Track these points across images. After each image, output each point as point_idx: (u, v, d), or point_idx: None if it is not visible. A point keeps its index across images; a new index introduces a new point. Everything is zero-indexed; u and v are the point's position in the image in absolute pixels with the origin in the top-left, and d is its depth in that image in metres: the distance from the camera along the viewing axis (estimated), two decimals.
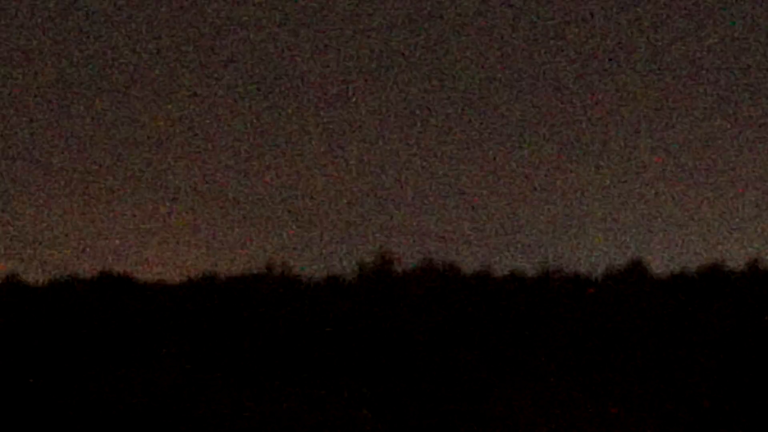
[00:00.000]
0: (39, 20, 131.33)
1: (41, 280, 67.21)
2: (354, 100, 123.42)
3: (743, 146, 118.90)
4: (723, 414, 55.93)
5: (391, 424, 53.90)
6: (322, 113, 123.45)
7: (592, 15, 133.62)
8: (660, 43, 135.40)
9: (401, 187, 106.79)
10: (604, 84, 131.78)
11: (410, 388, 54.80)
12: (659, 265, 71.37)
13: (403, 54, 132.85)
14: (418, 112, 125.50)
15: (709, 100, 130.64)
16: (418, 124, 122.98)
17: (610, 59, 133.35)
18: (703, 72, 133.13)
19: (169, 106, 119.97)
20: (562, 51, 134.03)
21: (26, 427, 55.06)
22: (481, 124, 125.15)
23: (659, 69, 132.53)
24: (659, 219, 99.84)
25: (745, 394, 57.24)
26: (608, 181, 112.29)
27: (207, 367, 58.03)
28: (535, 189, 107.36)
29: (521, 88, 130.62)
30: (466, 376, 55.52)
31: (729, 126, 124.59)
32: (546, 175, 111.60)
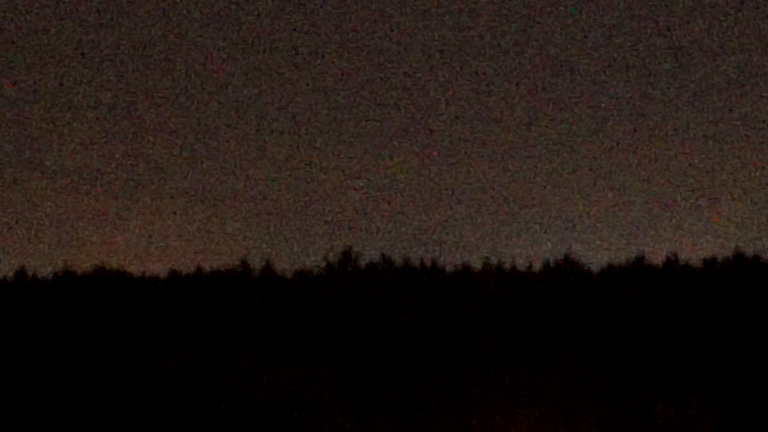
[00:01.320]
0: (45, 20, 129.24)
1: (48, 275, 72.14)
2: (334, 113, 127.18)
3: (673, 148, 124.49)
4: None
5: (353, 394, 59.15)
6: (309, 121, 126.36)
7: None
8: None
9: (366, 191, 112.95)
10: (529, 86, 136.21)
11: (373, 366, 61.00)
12: (590, 258, 76.30)
13: (369, 59, 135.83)
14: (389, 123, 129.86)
15: (634, 99, 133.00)
16: (381, 135, 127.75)
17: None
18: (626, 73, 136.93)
19: (159, 113, 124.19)
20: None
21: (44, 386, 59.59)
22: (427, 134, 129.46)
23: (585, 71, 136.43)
24: (589, 216, 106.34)
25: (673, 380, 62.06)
26: (543, 182, 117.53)
27: (191, 347, 62.45)
28: (481, 190, 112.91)
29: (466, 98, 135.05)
30: (421, 355, 61.42)
31: (654, 127, 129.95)
32: (491, 177, 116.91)
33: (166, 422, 58.21)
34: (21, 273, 72.45)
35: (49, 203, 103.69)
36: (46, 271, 74.15)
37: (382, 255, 73.72)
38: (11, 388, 61.73)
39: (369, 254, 74.70)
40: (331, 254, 72.04)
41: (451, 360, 63.22)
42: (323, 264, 70.70)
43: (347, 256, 69.77)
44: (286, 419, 59.23)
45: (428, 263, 73.87)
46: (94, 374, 60.29)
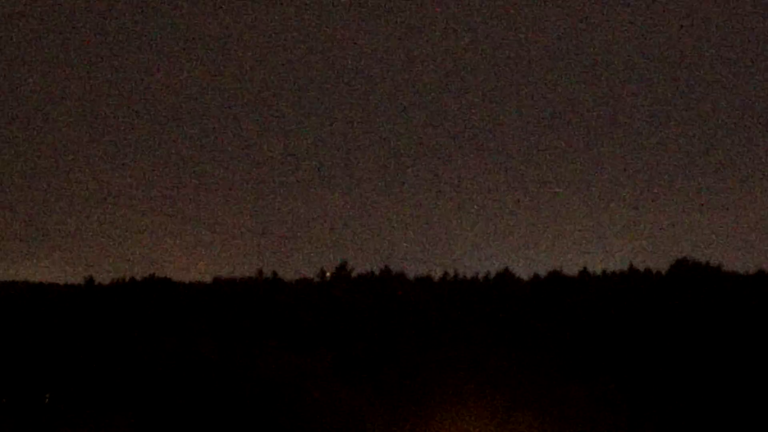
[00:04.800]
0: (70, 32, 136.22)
1: (110, 281, 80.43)
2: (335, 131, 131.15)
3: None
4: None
5: (349, 372, 65.86)
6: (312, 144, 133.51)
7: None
8: None
9: (361, 209, 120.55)
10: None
11: (364, 352, 69.10)
12: (521, 271, 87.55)
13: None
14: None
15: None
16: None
17: None
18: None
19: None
20: None
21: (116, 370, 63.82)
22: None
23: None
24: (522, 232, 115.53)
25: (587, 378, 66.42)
26: (485, 204, 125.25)
27: (226, 340, 68.10)
28: (437, 219, 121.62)
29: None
30: (398, 343, 69.88)
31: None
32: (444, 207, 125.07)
33: (209, 399, 61.71)
34: (89, 281, 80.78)
35: (110, 224, 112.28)
36: (108, 278, 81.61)
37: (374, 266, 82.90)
38: (81, 374, 65.35)
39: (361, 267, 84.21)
40: (328, 266, 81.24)
41: (420, 347, 70.36)
42: (327, 273, 79.12)
43: (343, 267, 79.11)
44: (300, 393, 62.39)
45: (400, 272, 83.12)
46: (149, 363, 64.55)
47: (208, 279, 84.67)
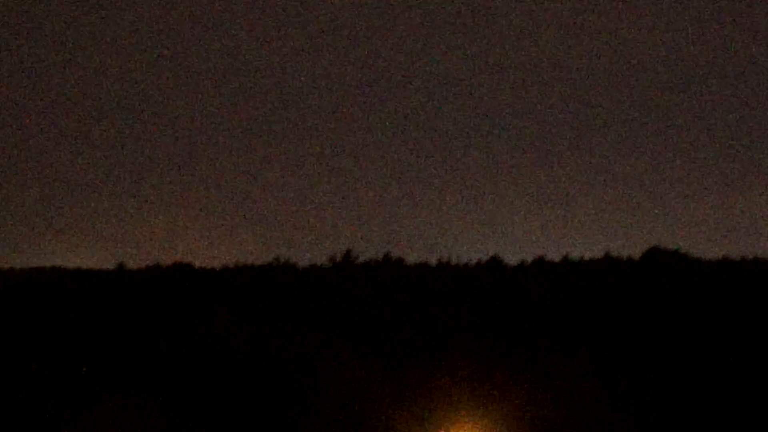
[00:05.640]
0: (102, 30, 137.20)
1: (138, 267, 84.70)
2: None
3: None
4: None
5: (357, 347, 67.81)
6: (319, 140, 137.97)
7: None
8: None
9: (365, 201, 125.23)
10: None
11: (370, 330, 72.31)
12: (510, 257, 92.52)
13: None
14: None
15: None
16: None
17: None
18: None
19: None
20: None
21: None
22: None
23: None
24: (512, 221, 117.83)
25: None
26: (476, 197, 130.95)
27: (246, 321, 69.58)
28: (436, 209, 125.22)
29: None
30: (398, 323, 74.02)
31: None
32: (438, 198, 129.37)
33: (232, 376, 62.96)
34: (120, 267, 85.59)
35: (138, 216, 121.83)
36: (137, 264, 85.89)
37: (376, 253, 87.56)
38: (112, 353, 66.13)
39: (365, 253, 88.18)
40: (336, 253, 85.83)
41: (418, 325, 74.45)
42: (334, 260, 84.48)
43: (348, 255, 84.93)
44: (314, 363, 63.89)
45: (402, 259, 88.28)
46: (177, 345, 65.55)
47: (229, 265, 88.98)
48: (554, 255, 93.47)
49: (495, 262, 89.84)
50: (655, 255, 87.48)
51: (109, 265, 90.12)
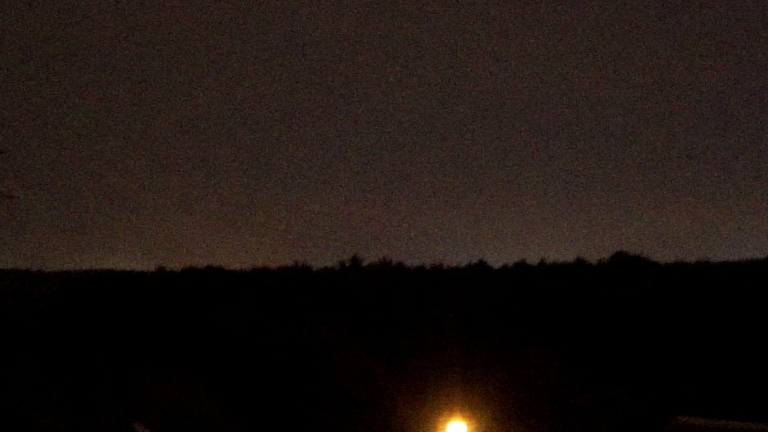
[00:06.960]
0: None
1: (180, 269, 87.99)
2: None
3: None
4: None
5: (361, 337, 72.88)
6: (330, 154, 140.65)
7: None
8: None
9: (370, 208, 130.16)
10: None
11: (373, 322, 77.70)
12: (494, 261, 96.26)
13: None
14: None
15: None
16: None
17: None
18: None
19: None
20: None
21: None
22: None
23: None
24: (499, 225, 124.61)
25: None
26: (464, 205, 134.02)
27: (266, 315, 74.17)
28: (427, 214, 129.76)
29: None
30: (399, 316, 78.56)
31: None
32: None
33: (257, 362, 66.95)
34: (160, 269, 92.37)
35: (176, 224, 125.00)
36: (176, 266, 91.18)
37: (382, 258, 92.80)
38: (158, 345, 67.63)
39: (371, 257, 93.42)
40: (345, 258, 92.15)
41: (413, 320, 78.82)
42: (343, 263, 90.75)
43: (356, 259, 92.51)
44: (327, 354, 68.22)
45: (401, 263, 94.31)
46: (210, 337, 69.71)
47: (257, 267, 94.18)
48: (533, 259, 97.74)
49: (482, 265, 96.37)
50: (620, 259, 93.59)
51: (151, 267, 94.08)
